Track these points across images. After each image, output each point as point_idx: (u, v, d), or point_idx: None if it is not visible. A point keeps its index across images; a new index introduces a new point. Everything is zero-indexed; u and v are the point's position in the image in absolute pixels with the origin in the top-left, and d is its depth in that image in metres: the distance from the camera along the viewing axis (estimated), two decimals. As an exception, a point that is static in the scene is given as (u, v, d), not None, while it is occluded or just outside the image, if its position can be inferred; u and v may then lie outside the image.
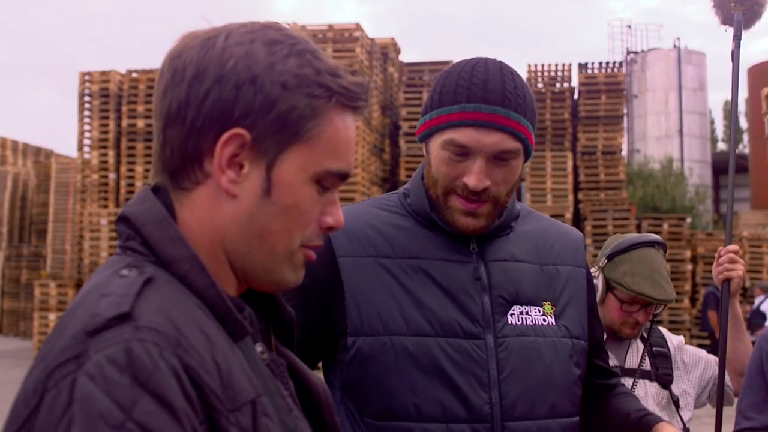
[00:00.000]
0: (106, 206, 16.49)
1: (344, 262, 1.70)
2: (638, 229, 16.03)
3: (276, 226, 1.04)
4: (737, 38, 2.77)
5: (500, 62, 1.73)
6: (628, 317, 2.70)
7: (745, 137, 49.59)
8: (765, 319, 14.02)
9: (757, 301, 14.53)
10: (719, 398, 2.78)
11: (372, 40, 16.61)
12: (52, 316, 16.49)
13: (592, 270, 2.75)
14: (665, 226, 16.39)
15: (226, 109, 1.00)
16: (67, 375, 0.85)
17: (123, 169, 16.52)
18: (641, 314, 2.70)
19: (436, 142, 1.71)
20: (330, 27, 15.91)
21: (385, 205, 1.83)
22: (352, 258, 1.71)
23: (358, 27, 15.81)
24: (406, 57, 18.33)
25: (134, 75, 16.89)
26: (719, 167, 34.79)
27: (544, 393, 1.71)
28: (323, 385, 1.19)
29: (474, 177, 1.66)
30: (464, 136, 1.65)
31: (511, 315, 1.72)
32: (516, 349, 1.70)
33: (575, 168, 17.10)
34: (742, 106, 51.54)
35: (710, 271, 13.83)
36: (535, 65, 17.38)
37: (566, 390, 1.76)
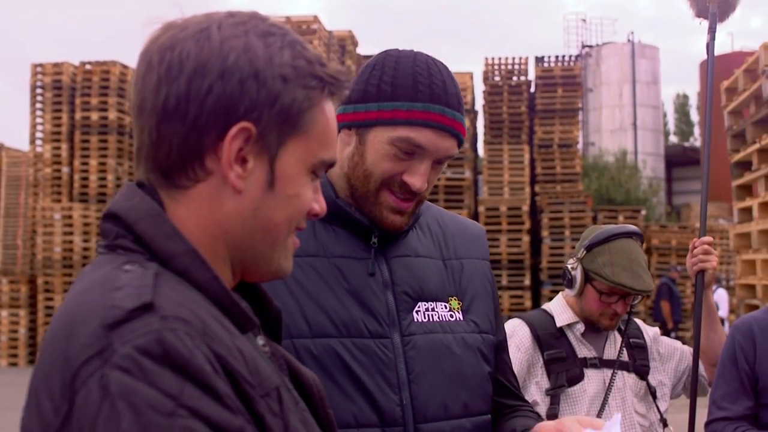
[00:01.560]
0: (59, 200, 16.23)
1: None
2: (594, 221, 16.21)
3: (279, 217, 1.04)
4: (712, 30, 2.79)
5: (440, 60, 1.68)
6: (606, 308, 2.71)
7: (696, 130, 50.42)
8: (717, 309, 14.26)
9: (710, 291, 14.77)
10: (693, 388, 2.81)
11: (330, 32, 16.56)
12: (4, 313, 16.20)
13: (571, 262, 2.76)
14: (620, 218, 16.58)
15: (230, 104, 0.97)
16: (94, 372, 0.82)
17: (77, 162, 16.28)
18: (620, 305, 2.71)
19: (381, 135, 1.61)
20: (288, 19, 15.81)
21: None
22: None
23: (316, 19, 15.75)
24: (363, 50, 18.26)
25: (88, 67, 16.63)
26: (672, 160, 35.33)
27: (456, 391, 1.64)
28: (315, 379, 1.15)
29: (419, 178, 1.60)
30: (423, 137, 1.59)
31: (417, 312, 1.65)
32: (424, 347, 1.62)
33: (532, 161, 17.23)
34: (693, 100, 52.39)
35: (664, 263, 14.05)
36: (492, 59, 17.45)
37: (478, 387, 1.70)
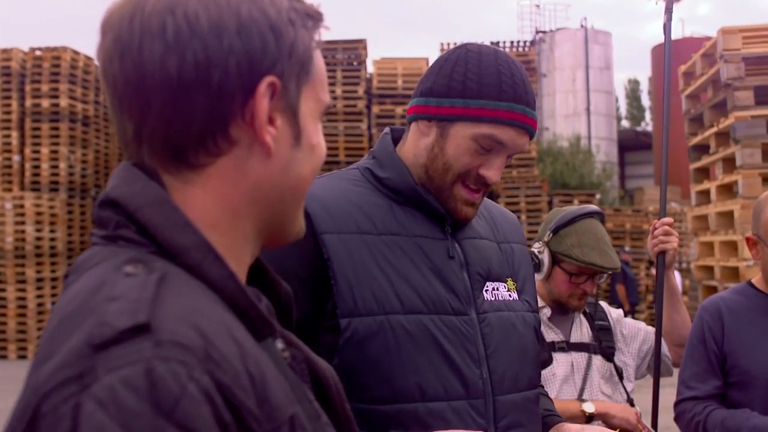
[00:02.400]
0: (10, 189, 15.90)
1: (329, 239, 1.61)
2: (549, 205, 16.36)
3: (307, 171, 0.97)
4: (669, 11, 2.81)
5: (515, 59, 1.74)
6: (575, 289, 2.74)
7: (648, 115, 51.06)
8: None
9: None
10: (656, 368, 2.84)
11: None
12: (-45, 305, 15.88)
13: (537, 245, 2.78)
14: (575, 202, 16.74)
15: (254, 61, 0.88)
16: (68, 398, 0.71)
17: (27, 150, 15.95)
18: (588, 284, 2.74)
19: (464, 131, 1.65)
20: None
21: (352, 180, 1.76)
22: (336, 234, 1.62)
23: (271, 4, 15.63)
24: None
25: (38, 53, 16.29)
26: (624, 144, 35.74)
27: (523, 366, 1.73)
28: (332, 372, 1.07)
29: (496, 172, 1.68)
30: (506, 135, 1.65)
31: (486, 291, 1.73)
32: (496, 324, 1.70)
33: (488, 146, 17.30)
34: (644, 85, 52.99)
35: (618, 246, 14.25)
36: (447, 44, 17.48)
37: (535, 362, 1.81)
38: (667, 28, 2.81)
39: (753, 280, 2.72)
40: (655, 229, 2.89)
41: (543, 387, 2.00)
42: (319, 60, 0.98)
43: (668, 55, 2.84)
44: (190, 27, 0.86)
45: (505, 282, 1.78)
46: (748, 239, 2.68)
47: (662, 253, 2.87)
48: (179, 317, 0.78)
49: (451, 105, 1.66)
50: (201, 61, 0.86)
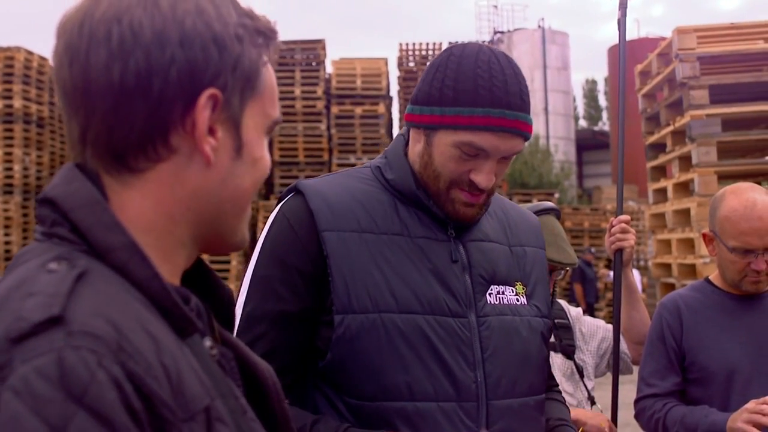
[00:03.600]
0: (-38, 192, 15.61)
1: (328, 237, 1.63)
2: (509, 204, 16.46)
3: (248, 183, 0.99)
4: (623, 7, 2.80)
5: (505, 55, 1.69)
6: None
7: (605, 115, 51.64)
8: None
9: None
10: (615, 366, 2.85)
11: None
12: None
13: None
14: (534, 201, 16.81)
15: (195, 72, 0.90)
16: None
17: (-2, 152, 15.67)
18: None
19: (445, 138, 1.64)
20: None
21: (361, 178, 1.77)
22: (336, 232, 1.64)
23: (228, 4, 15.51)
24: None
25: (9, 54, 15.98)
26: (582, 144, 36.11)
27: (524, 371, 1.72)
28: (270, 372, 1.10)
29: (485, 177, 1.65)
30: (484, 140, 1.62)
31: (490, 294, 1.71)
32: (497, 328, 1.69)
33: (448, 146, 17.32)
34: (601, 85, 53.58)
35: (578, 245, 14.31)
36: (407, 44, 17.52)
37: (540, 368, 1.78)
38: (621, 24, 2.81)
39: (710, 277, 2.74)
40: (612, 226, 2.89)
41: (560, 394, 1.99)
42: (268, 76, 0.99)
43: (623, 50, 2.84)
44: (134, 36, 0.89)
45: (514, 286, 1.77)
46: (704, 235, 2.69)
47: (620, 251, 2.87)
48: (93, 310, 0.81)
49: (431, 113, 1.66)
50: (142, 69, 0.89)
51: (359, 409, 1.59)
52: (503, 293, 1.74)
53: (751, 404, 2.34)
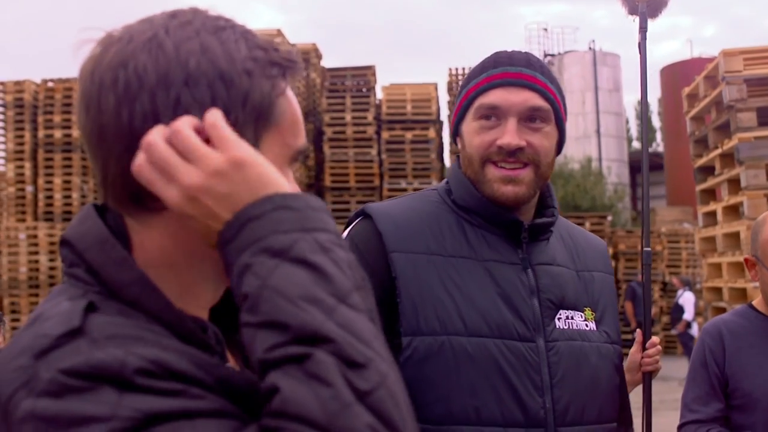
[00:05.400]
0: (23, 220, 16.04)
1: (397, 258, 1.63)
2: (561, 228, 16.33)
3: None
4: (643, 30, 2.80)
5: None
6: None
7: (658, 135, 50.97)
8: (683, 312, 14.47)
9: (678, 294, 15.00)
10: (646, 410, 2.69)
11: (293, 45, 16.57)
12: (-30, 335, 15.94)
13: None
14: (587, 224, 16.75)
15: (203, 110, 0.91)
16: (19, 403, 0.78)
17: (41, 181, 16.10)
18: None
19: (468, 118, 1.72)
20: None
21: (429, 201, 1.78)
22: (404, 254, 1.64)
23: (279, 33, 15.77)
24: (327, 63, 18.25)
25: (50, 84, 16.47)
26: (636, 166, 35.64)
27: (593, 398, 1.69)
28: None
29: (507, 135, 1.66)
30: (492, 97, 1.68)
31: (558, 319, 1.70)
32: (566, 353, 1.67)
33: (498, 169, 17.25)
34: (654, 106, 52.96)
35: (631, 267, 14.06)
36: (456, 69, 17.56)
37: (610, 396, 1.76)
38: (642, 47, 2.80)
39: (754, 302, 2.73)
40: (646, 349, 2.53)
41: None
42: (287, 105, 0.99)
43: (643, 73, 2.79)
44: (139, 80, 0.90)
45: (582, 311, 1.75)
46: (746, 260, 2.69)
47: (650, 373, 2.56)
48: (109, 322, 0.85)
49: (455, 108, 1.78)
50: (149, 112, 0.90)
51: None
52: (572, 318, 1.72)
53: None
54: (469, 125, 1.71)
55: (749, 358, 2.59)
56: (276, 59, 0.97)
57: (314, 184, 17.05)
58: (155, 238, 0.96)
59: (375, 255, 1.64)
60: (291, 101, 1.00)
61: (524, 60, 1.71)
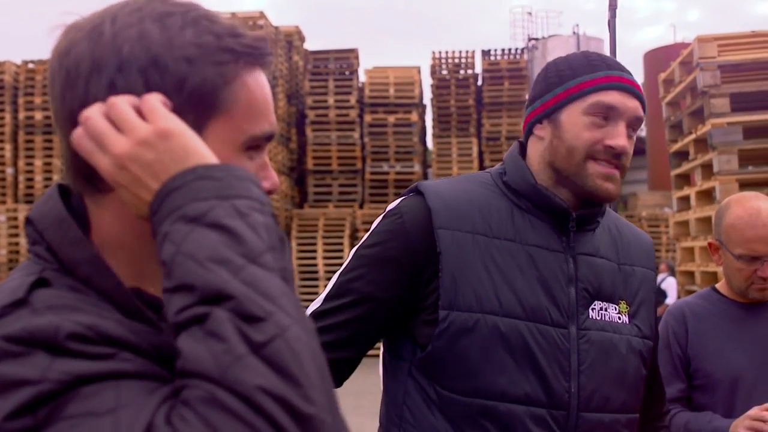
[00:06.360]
0: (3, 202, 15.94)
1: (443, 234, 1.69)
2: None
3: None
4: (612, 8, 2.80)
5: None
6: None
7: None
8: (665, 296, 14.55)
9: (660, 277, 15.05)
10: None
11: (276, 28, 16.50)
12: (-50, 317, 15.85)
13: None
14: (568, 208, 16.76)
15: (136, 95, 0.93)
16: None
17: (21, 163, 16.00)
18: None
19: (574, 110, 1.73)
20: (233, 15, 15.70)
21: (481, 182, 1.83)
22: (450, 231, 1.69)
23: (262, 15, 15.69)
24: (310, 45, 18.17)
25: (30, 66, 16.34)
26: (618, 150, 35.70)
27: (618, 388, 1.75)
28: None
29: (620, 138, 1.71)
30: (612, 98, 1.71)
31: (593, 309, 1.75)
32: (596, 342, 1.72)
33: (480, 153, 17.33)
34: (638, 91, 52.97)
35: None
36: (439, 52, 17.51)
37: (636, 388, 1.81)
38: (611, 25, 2.81)
39: (717, 285, 2.77)
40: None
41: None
42: (242, 92, 0.99)
43: (613, 51, 2.81)
44: (77, 67, 0.95)
45: (617, 304, 1.79)
46: (710, 244, 2.73)
47: None
48: (53, 295, 0.89)
49: (554, 95, 1.76)
50: (84, 97, 0.94)
51: (451, 401, 1.65)
52: (606, 310, 1.76)
53: (753, 411, 2.37)
54: (576, 117, 1.73)
55: (711, 339, 2.64)
56: (229, 45, 0.98)
57: (296, 167, 17.03)
58: (106, 218, 1.00)
59: (418, 230, 1.70)
60: (249, 87, 1.00)
61: (625, 68, 1.78)
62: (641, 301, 1.85)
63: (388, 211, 1.78)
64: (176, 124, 0.91)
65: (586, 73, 1.74)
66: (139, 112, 0.92)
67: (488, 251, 1.69)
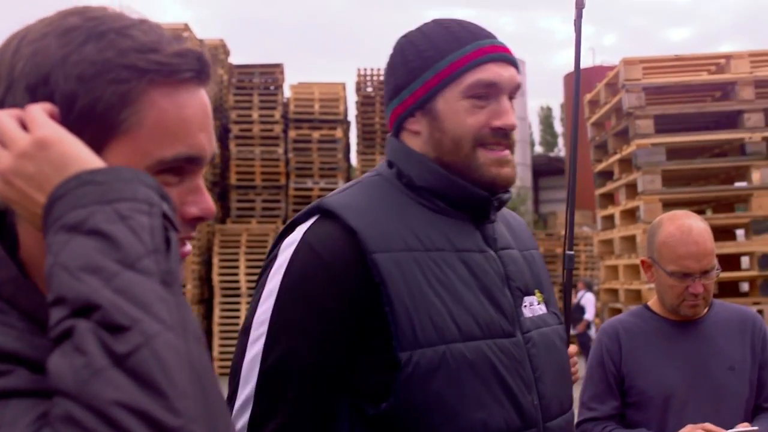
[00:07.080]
0: None
1: (381, 259, 1.41)
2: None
3: None
4: (579, 7, 2.77)
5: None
6: None
7: (560, 141, 52.27)
8: (584, 313, 14.81)
9: (578, 295, 15.30)
10: None
11: (201, 41, 16.30)
12: None
13: None
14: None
15: None
16: None
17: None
18: None
19: (450, 96, 1.51)
20: (156, 27, 15.46)
21: (380, 187, 1.57)
22: (387, 254, 1.42)
23: (187, 27, 15.49)
24: (235, 59, 17.99)
25: None
26: (538, 170, 36.48)
27: (564, 386, 1.61)
28: None
29: (508, 115, 1.52)
30: (489, 73, 1.50)
31: (525, 307, 1.58)
32: (539, 344, 1.55)
33: (405, 171, 17.34)
34: (556, 112, 54.30)
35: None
36: (365, 69, 17.57)
37: (570, 378, 1.71)
38: (577, 25, 2.74)
39: (649, 303, 2.81)
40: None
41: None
42: (148, 113, 0.92)
43: (578, 52, 2.72)
44: None
45: (534, 294, 1.62)
46: (643, 262, 2.77)
47: None
48: None
49: (422, 83, 1.54)
50: None
51: None
52: (532, 304, 1.60)
53: (687, 428, 2.41)
54: (455, 103, 1.51)
55: (644, 357, 2.67)
56: (133, 62, 0.91)
57: (219, 182, 16.83)
58: (28, 234, 0.96)
59: (344, 264, 1.42)
60: (161, 107, 0.93)
61: (490, 32, 1.57)
62: (547, 285, 1.70)
63: (295, 250, 1.46)
64: (53, 131, 0.87)
65: (453, 49, 1.51)
66: (24, 125, 0.88)
67: (429, 268, 1.45)
